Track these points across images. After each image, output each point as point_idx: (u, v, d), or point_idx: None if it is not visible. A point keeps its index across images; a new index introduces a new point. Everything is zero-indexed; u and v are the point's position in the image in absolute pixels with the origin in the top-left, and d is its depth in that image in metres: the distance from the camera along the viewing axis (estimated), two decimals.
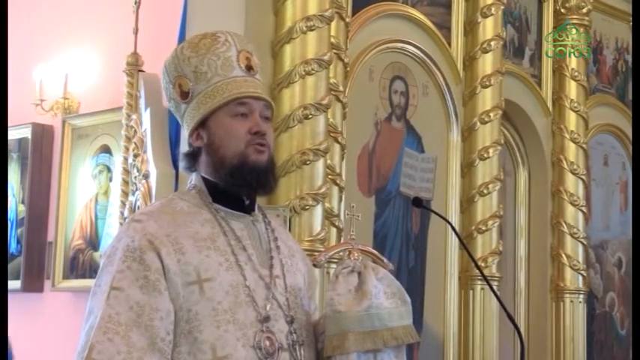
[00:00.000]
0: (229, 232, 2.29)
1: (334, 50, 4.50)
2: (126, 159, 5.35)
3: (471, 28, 5.45)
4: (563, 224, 5.98)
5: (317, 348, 2.39)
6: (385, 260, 2.56)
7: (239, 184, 2.29)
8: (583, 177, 6.08)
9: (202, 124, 2.31)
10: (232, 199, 2.32)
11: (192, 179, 2.38)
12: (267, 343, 2.22)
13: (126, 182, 5.35)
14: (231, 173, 2.28)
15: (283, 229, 2.51)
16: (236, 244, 2.28)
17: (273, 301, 2.27)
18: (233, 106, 2.30)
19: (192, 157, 2.36)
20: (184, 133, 2.40)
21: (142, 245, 2.19)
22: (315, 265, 2.57)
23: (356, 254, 2.45)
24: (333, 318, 2.31)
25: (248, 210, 2.36)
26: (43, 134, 6.55)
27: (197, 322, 2.17)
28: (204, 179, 2.33)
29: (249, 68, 2.35)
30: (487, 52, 5.42)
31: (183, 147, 2.46)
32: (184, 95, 2.34)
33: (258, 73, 2.38)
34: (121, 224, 5.27)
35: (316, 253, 3.38)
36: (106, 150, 6.19)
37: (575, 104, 6.09)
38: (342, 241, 4.26)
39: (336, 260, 3.16)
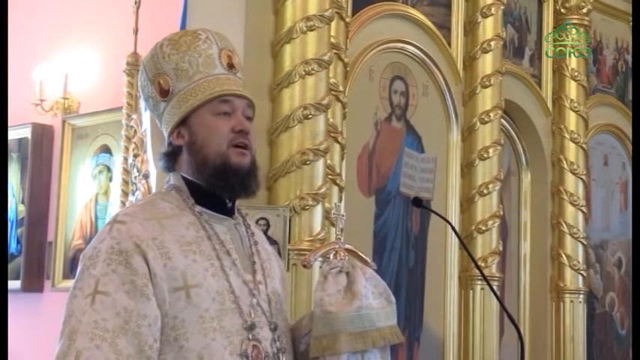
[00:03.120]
0: (213, 235, 2.23)
1: (334, 50, 4.50)
2: (126, 159, 5.36)
3: (470, 28, 5.45)
4: (563, 224, 5.98)
5: (298, 350, 2.35)
6: (369, 261, 2.54)
7: (221, 185, 2.24)
8: (583, 177, 6.08)
9: (183, 122, 2.26)
10: (214, 200, 2.27)
11: (170, 179, 2.32)
12: (254, 351, 2.17)
13: (126, 182, 5.35)
14: (214, 174, 2.23)
15: (259, 231, 2.45)
16: (220, 249, 2.22)
17: (257, 308, 2.22)
18: (216, 103, 2.25)
19: (172, 156, 2.30)
20: (163, 132, 2.33)
21: (127, 248, 2.12)
22: (304, 266, 2.54)
23: (342, 254, 2.44)
24: (324, 318, 2.29)
25: (230, 212, 2.31)
26: (43, 134, 6.55)
27: (183, 330, 2.12)
28: (185, 179, 2.28)
29: (230, 66, 2.30)
30: (487, 52, 5.42)
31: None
32: (164, 93, 2.28)
33: (240, 72, 2.34)
34: None
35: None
36: (106, 150, 6.20)
37: (575, 104, 6.09)
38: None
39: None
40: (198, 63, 2.27)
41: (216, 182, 2.24)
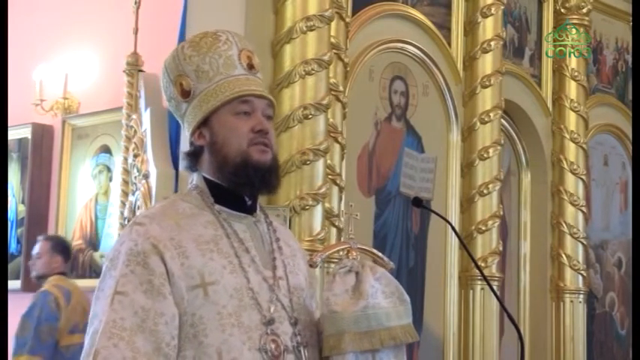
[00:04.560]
0: (232, 234, 2.27)
1: (334, 50, 4.50)
2: (126, 159, 5.36)
3: (470, 28, 5.45)
4: (563, 224, 5.98)
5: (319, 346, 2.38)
6: (385, 259, 2.55)
7: (242, 182, 2.28)
8: (583, 177, 6.08)
9: (204, 122, 2.30)
10: (234, 199, 2.31)
11: (193, 179, 2.36)
12: (273, 345, 2.21)
13: (126, 182, 5.35)
14: (235, 172, 2.26)
15: (284, 229, 2.49)
16: (239, 246, 2.26)
17: (277, 303, 2.25)
18: (236, 104, 2.28)
19: (194, 156, 2.34)
20: (185, 133, 2.39)
21: (145, 249, 2.17)
22: (311, 266, 2.55)
23: (354, 254, 2.44)
24: (330, 318, 2.30)
25: (250, 210, 2.34)
26: (43, 134, 6.55)
27: (202, 326, 2.16)
28: (206, 179, 2.32)
29: (250, 67, 2.34)
30: (487, 52, 5.42)
31: (184, 147, 2.44)
32: (186, 94, 2.32)
33: (259, 72, 2.38)
34: (121, 224, 5.28)
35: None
36: (106, 150, 6.20)
37: (575, 104, 6.09)
38: (341, 240, 4.26)
39: (335, 260, 3.16)
40: (219, 64, 2.30)
41: (237, 180, 2.28)
